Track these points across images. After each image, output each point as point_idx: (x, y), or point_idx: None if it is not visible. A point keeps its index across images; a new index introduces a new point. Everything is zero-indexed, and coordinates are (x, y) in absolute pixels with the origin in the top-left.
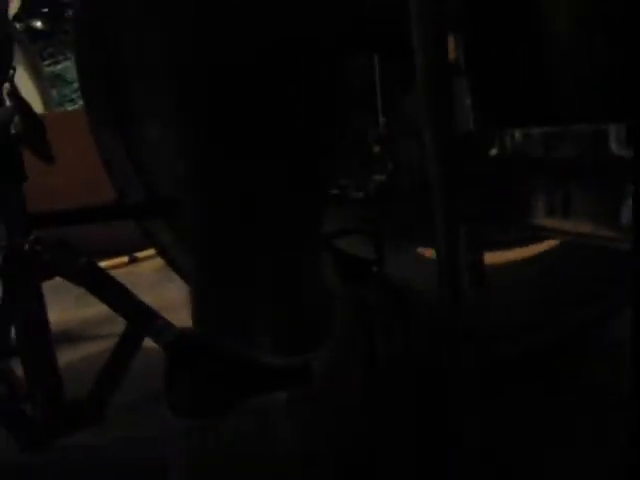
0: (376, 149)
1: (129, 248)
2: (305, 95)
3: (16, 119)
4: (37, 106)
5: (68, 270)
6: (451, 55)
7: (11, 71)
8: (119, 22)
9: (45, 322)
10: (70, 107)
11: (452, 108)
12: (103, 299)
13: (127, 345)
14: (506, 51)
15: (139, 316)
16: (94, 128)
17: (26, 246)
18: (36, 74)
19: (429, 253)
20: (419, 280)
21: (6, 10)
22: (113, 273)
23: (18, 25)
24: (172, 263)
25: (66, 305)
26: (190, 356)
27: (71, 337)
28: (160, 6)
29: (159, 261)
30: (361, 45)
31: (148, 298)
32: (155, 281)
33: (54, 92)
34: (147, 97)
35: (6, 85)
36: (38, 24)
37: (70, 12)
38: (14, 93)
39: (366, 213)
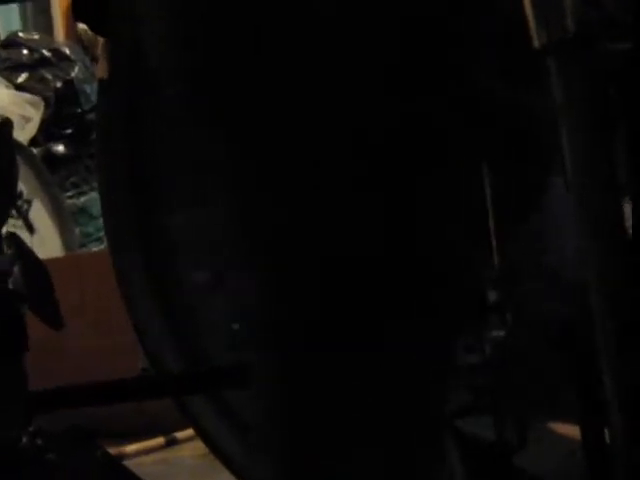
0: (491, 296)
1: (167, 426)
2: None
3: (16, 271)
4: (56, 247)
5: (78, 471)
6: None
7: (24, 205)
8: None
9: None
10: (96, 247)
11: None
12: None
13: None
14: None
15: None
16: (120, 275)
17: (24, 439)
18: (56, 208)
19: (564, 430)
20: (557, 468)
21: (10, 130)
22: (147, 459)
23: (36, 150)
24: (217, 450)
25: None
26: None
27: None
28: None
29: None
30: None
31: None
32: (198, 470)
33: (77, 230)
34: (193, 230)
35: (11, 225)
36: (60, 148)
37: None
38: (14, 238)
39: (481, 381)
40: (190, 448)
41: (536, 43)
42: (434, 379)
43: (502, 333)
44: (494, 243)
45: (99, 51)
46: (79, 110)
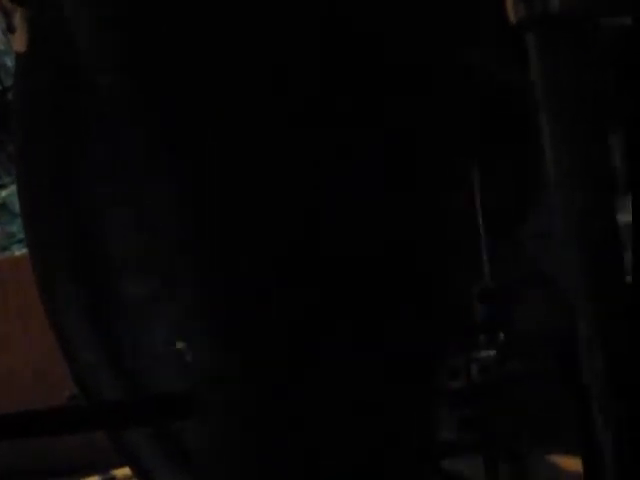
0: (481, 310)
1: (104, 463)
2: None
3: None
4: None
5: None
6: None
7: None
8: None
9: None
10: (19, 251)
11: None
12: None
13: None
14: None
15: None
16: (43, 287)
17: None
18: None
19: (569, 464)
20: None
21: None
22: None
23: None
24: None
25: None
26: None
27: None
28: None
29: None
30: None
31: None
32: None
33: None
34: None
35: None
36: None
37: None
38: None
39: (469, 409)
40: None
41: (512, 17)
42: (414, 410)
43: (492, 353)
44: (484, 253)
45: (17, 19)
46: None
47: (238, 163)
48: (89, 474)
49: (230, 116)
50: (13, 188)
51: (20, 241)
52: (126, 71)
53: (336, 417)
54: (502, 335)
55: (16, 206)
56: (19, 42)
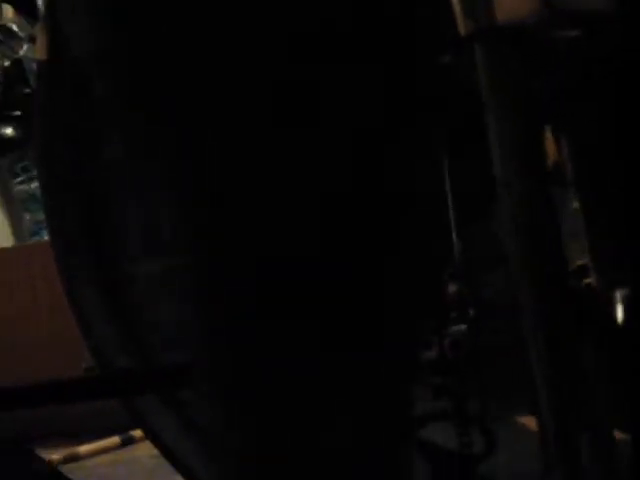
0: (451, 289)
1: (123, 425)
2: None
3: None
4: (5, 236)
5: None
6: (550, 159)
7: None
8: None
9: None
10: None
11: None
12: None
13: None
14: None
15: None
16: (62, 266)
17: None
18: (5, 195)
19: (533, 424)
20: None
21: None
22: (102, 459)
23: None
24: (169, 453)
25: None
26: None
27: None
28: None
29: None
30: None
31: None
32: (155, 470)
33: (27, 217)
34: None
35: None
36: (8, 131)
37: None
38: None
39: (441, 379)
40: (147, 447)
41: (462, 31)
42: (396, 380)
43: (463, 328)
44: (454, 231)
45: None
46: (28, 90)
47: (239, 162)
48: (110, 435)
49: (230, 117)
50: None
51: None
52: (126, 73)
53: (318, 394)
54: (472, 311)
55: None
56: (40, 50)
